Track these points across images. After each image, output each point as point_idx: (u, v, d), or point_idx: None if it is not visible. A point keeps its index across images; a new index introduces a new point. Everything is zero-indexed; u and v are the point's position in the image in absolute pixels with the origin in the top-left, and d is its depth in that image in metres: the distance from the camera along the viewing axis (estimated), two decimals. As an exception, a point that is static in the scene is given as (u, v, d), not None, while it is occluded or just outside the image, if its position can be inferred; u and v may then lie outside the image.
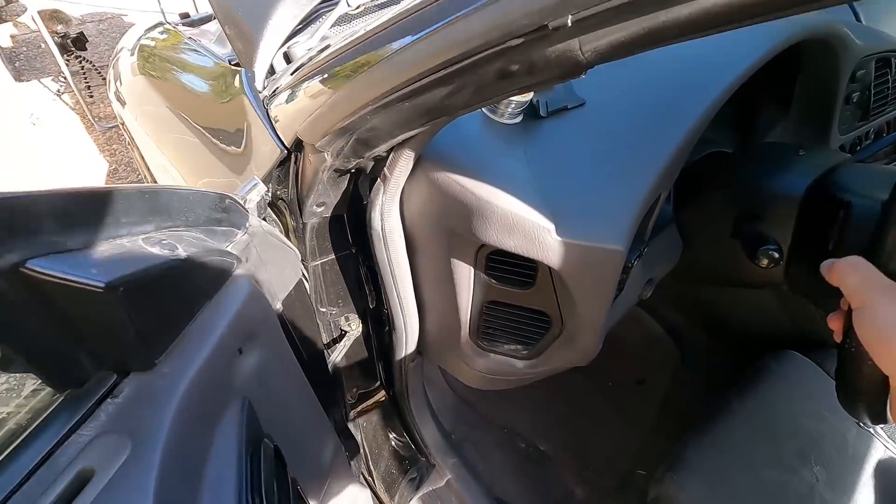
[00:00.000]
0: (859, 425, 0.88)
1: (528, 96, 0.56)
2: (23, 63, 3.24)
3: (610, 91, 0.58)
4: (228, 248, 0.39)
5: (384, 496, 0.97)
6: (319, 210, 0.63)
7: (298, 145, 0.58)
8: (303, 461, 0.49)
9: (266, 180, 0.62)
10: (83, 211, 0.33)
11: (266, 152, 0.62)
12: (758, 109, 0.88)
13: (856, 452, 0.84)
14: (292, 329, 0.57)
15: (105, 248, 0.33)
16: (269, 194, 0.66)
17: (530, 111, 0.58)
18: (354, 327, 0.83)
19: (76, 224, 0.32)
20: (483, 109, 0.57)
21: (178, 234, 0.38)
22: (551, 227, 0.48)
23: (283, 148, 0.60)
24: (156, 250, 0.35)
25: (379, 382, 0.93)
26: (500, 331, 0.66)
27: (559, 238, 0.49)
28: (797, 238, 0.59)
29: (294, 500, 0.41)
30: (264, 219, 0.56)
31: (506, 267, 0.57)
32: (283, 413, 0.46)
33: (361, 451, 0.98)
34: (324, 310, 0.77)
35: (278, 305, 0.50)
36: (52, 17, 2.63)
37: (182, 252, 0.36)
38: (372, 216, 0.58)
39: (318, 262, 0.70)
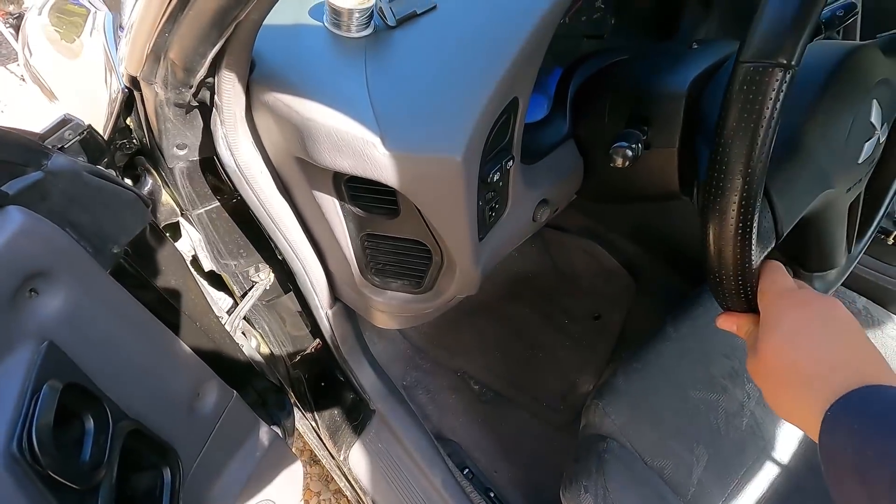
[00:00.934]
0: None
1: (370, 3, 0.51)
2: (8, 49, 3.20)
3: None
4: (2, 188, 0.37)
5: (329, 443, 0.98)
6: (182, 153, 0.60)
7: (136, 82, 0.55)
8: (157, 405, 0.49)
9: (115, 125, 0.59)
10: None
11: (112, 93, 0.58)
12: (681, 11, 0.80)
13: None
14: (154, 277, 0.56)
15: None
16: (130, 141, 0.64)
17: (380, 23, 0.53)
18: (264, 277, 0.81)
19: None
20: (327, 25, 0.52)
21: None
22: (377, 140, 0.45)
23: (123, 86, 0.56)
24: None
25: (309, 331, 0.92)
26: (388, 266, 0.64)
27: (387, 151, 0.45)
28: (684, 139, 0.55)
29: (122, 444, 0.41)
30: (98, 160, 0.54)
31: (367, 195, 0.54)
32: (116, 356, 0.45)
33: (307, 401, 0.99)
34: (226, 262, 0.76)
35: (114, 248, 0.48)
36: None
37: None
38: (219, 152, 0.55)
39: (202, 211, 0.68)
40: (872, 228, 0.63)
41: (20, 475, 0.33)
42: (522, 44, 0.46)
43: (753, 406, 0.77)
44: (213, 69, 0.47)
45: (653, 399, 0.77)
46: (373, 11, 0.52)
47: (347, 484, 0.98)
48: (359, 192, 0.54)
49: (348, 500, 1.12)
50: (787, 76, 0.35)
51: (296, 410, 1.01)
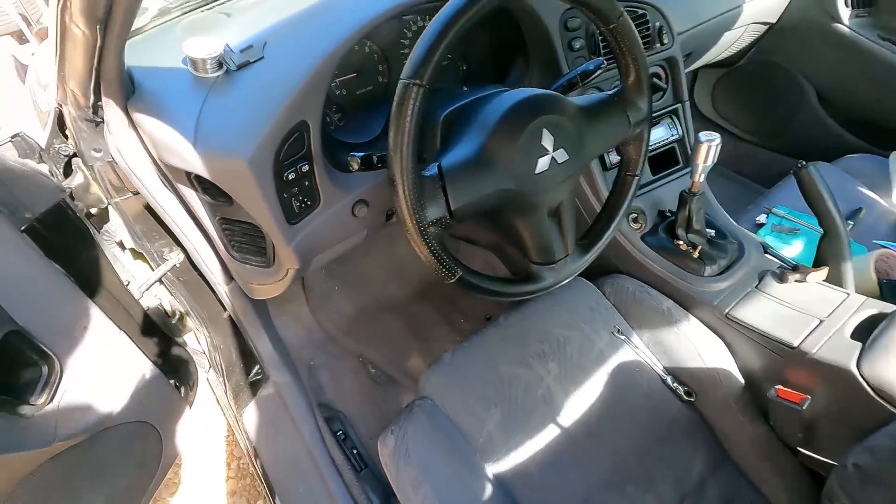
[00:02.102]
0: (613, 334, 1.00)
1: (216, 53, 0.73)
2: None
3: (283, 46, 0.74)
4: None
5: (232, 402, 1.18)
6: (98, 155, 0.84)
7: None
8: (42, 323, 0.70)
9: (51, 133, 0.83)
10: None
11: (48, 111, 0.83)
12: (509, 64, 1.01)
13: (600, 357, 0.97)
14: (65, 243, 0.78)
15: None
16: (63, 143, 0.87)
17: (230, 66, 0.76)
18: (174, 257, 1.03)
19: None
20: (188, 68, 0.75)
21: None
22: (191, 145, 0.66)
23: (54, 106, 0.80)
24: None
25: (219, 305, 1.13)
26: (242, 245, 0.85)
27: (200, 153, 0.66)
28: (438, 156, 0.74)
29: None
30: (30, 157, 0.77)
31: (210, 187, 0.75)
32: (16, 285, 0.67)
33: (218, 365, 1.19)
34: (142, 242, 0.98)
35: (27, 214, 0.71)
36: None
37: None
38: (112, 155, 0.78)
39: (118, 199, 0.91)
40: (604, 239, 0.80)
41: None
42: (302, 85, 0.68)
43: (550, 381, 0.93)
44: (97, 97, 0.71)
45: (468, 370, 0.94)
46: (220, 59, 0.74)
47: (243, 437, 1.17)
48: (204, 185, 0.75)
49: (243, 451, 1.29)
50: (420, 91, 0.55)
51: (214, 375, 1.21)
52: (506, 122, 0.65)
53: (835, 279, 0.97)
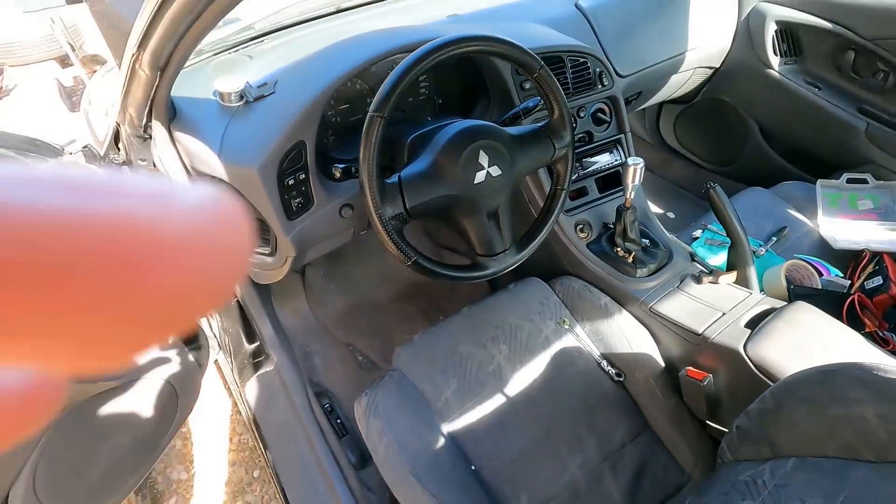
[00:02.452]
0: (558, 324, 1.19)
1: (239, 88, 0.96)
2: (78, 98, 3.99)
3: (289, 83, 0.97)
4: None
5: (237, 377, 1.37)
6: (143, 164, 1.06)
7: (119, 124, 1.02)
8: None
9: (108, 146, 1.06)
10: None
11: (108, 129, 1.06)
12: (475, 100, 1.23)
13: (545, 342, 1.15)
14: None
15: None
16: (116, 153, 1.10)
17: (249, 97, 0.98)
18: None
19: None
20: (217, 99, 0.98)
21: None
22: (216, 156, 0.88)
23: (113, 125, 1.03)
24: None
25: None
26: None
27: (223, 162, 0.88)
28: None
29: None
30: (93, 163, 1.00)
31: (237, 189, 0.97)
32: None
33: (227, 346, 1.39)
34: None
35: None
36: (92, 59, 3.29)
37: None
38: (156, 163, 1.00)
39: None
40: (538, 239, 1.00)
41: None
42: (299, 114, 0.90)
43: (501, 360, 1.12)
44: (149, 119, 0.93)
45: (433, 348, 1.13)
46: (242, 93, 0.97)
47: (245, 407, 1.36)
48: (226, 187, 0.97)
49: (244, 421, 1.48)
50: (381, 121, 0.76)
51: (223, 355, 1.42)
52: (451, 145, 0.86)
53: (743, 282, 1.15)
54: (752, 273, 1.13)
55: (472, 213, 0.90)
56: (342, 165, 0.86)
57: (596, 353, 1.15)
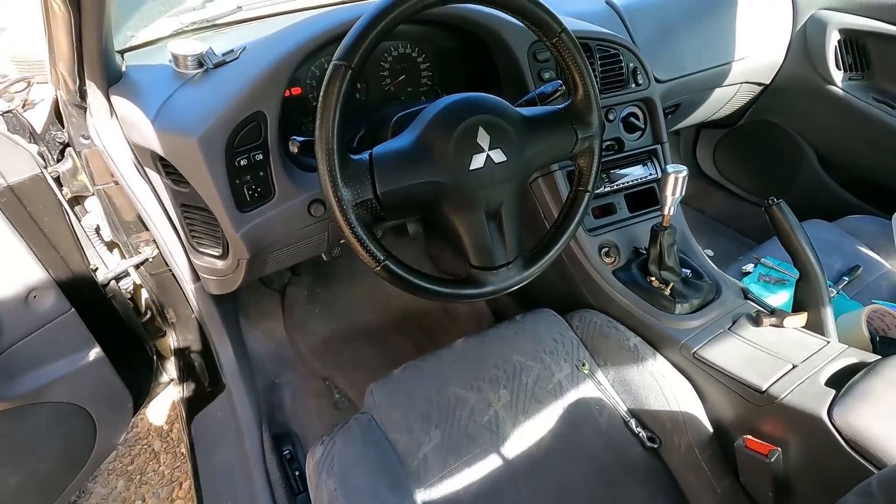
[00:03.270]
0: (575, 367, 0.95)
1: (197, 52, 0.80)
2: None
3: (255, 50, 0.81)
4: None
5: (184, 407, 1.15)
6: (86, 142, 0.90)
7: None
8: None
9: (48, 119, 0.90)
10: None
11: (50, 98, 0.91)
12: (484, 87, 1.05)
13: (557, 389, 0.91)
14: (29, 210, 0.82)
15: None
16: (60, 130, 0.94)
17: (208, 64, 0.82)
18: (149, 251, 1.06)
19: None
20: (172, 65, 0.81)
21: None
22: (149, 122, 0.70)
23: (54, 92, 0.88)
24: None
25: (188, 305, 1.14)
26: (199, 234, 0.87)
27: (156, 129, 0.70)
28: None
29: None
30: (17, 132, 0.84)
31: (171, 170, 0.79)
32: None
33: (181, 369, 1.18)
34: (119, 234, 1.02)
35: (1, 181, 0.75)
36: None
37: None
38: (92, 136, 0.83)
39: (101, 186, 0.96)
40: (552, 252, 0.78)
41: None
42: (259, 78, 0.72)
43: (499, 407, 0.88)
44: (82, 80, 0.77)
45: (414, 387, 0.90)
46: (200, 59, 0.81)
47: (186, 443, 1.13)
48: (167, 168, 0.79)
49: (184, 457, 1.24)
50: (349, 73, 0.57)
51: (177, 378, 1.20)
52: (442, 117, 0.67)
53: (816, 327, 0.90)
54: (829, 315, 0.88)
55: (465, 209, 0.69)
56: (301, 139, 0.68)
57: (623, 408, 0.90)
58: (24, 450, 0.79)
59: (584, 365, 0.95)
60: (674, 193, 0.90)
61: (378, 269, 0.65)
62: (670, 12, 1.26)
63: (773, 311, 0.93)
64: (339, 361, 1.36)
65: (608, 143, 1.08)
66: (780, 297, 1.06)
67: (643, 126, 1.10)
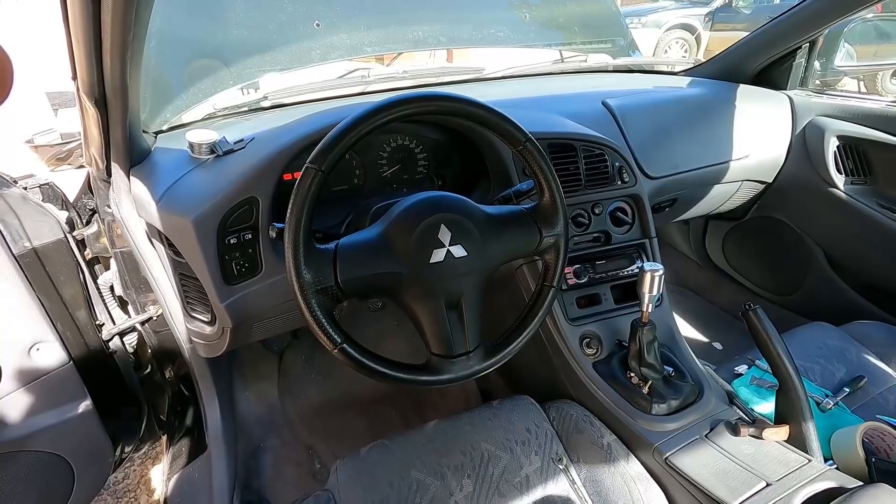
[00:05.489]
0: (547, 462, 0.92)
1: (210, 140, 0.90)
2: None
3: (259, 141, 0.91)
4: None
5: (167, 465, 1.18)
6: (109, 210, 1.01)
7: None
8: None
9: (81, 190, 1.02)
10: None
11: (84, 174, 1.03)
12: (476, 182, 1.12)
13: (524, 484, 0.89)
14: (48, 269, 0.91)
15: None
16: (90, 198, 1.06)
17: (220, 151, 0.92)
18: (154, 311, 1.14)
19: None
20: (187, 150, 0.92)
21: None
22: (154, 203, 0.79)
23: (88, 170, 1.00)
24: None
25: (184, 364, 1.20)
26: (193, 301, 0.94)
27: (159, 210, 0.79)
28: None
29: None
30: (52, 201, 0.95)
31: (171, 244, 0.87)
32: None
33: (171, 426, 1.22)
34: (129, 292, 1.11)
35: (26, 243, 0.85)
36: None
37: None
38: (112, 208, 0.93)
39: (118, 250, 1.06)
40: (512, 346, 0.79)
41: None
42: (253, 169, 0.81)
43: (460, 497, 0.86)
44: (108, 161, 0.88)
45: (378, 469, 0.90)
46: (214, 146, 0.91)
47: (163, 502, 1.14)
48: (168, 242, 0.88)
49: None
50: (318, 175, 0.64)
51: (167, 436, 1.24)
52: (407, 214, 0.72)
53: (799, 442, 0.85)
54: (812, 431, 0.84)
55: (424, 299, 0.73)
56: (280, 225, 0.74)
57: (591, 510, 0.87)
58: (1, 497, 0.83)
59: (556, 460, 0.93)
60: (650, 291, 0.91)
61: (335, 351, 0.68)
62: (664, 114, 1.32)
63: (754, 421, 0.89)
64: (326, 430, 1.37)
65: (595, 235, 1.11)
66: (772, 405, 1.01)
67: (630, 221, 1.13)
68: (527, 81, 1.54)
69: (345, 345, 0.68)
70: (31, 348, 0.85)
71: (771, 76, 1.49)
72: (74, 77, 0.70)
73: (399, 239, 0.71)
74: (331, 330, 0.67)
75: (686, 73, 1.68)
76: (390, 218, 0.73)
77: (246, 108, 1.25)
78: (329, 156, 0.65)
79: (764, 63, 1.47)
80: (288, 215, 0.65)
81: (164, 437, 1.25)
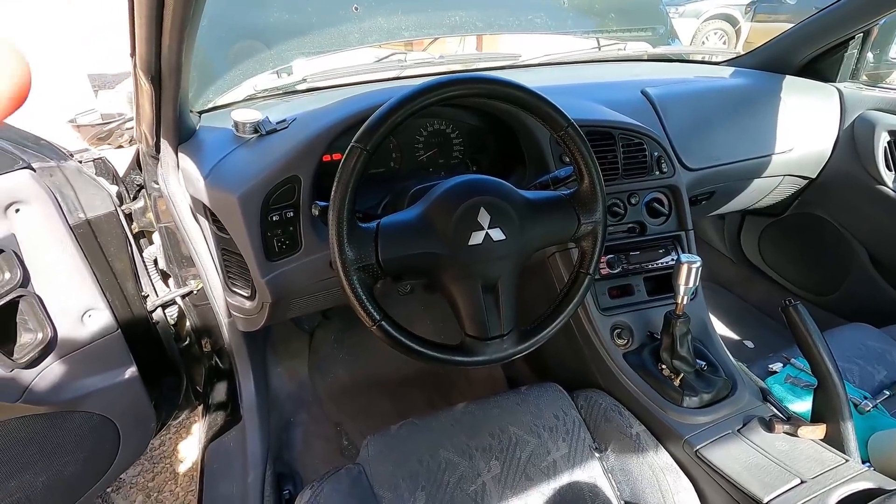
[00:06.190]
0: (573, 448, 0.93)
1: (255, 119, 0.93)
2: None
3: (302, 121, 0.92)
4: (34, 164, 0.80)
5: (204, 433, 1.23)
6: (156, 186, 1.04)
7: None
8: (54, 296, 0.84)
9: (130, 166, 1.06)
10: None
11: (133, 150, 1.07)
12: (512, 169, 1.12)
13: (551, 469, 0.90)
14: (99, 240, 0.95)
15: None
16: (139, 174, 1.10)
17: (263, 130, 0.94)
18: (194, 284, 1.18)
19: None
20: (232, 129, 0.95)
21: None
22: (203, 179, 0.82)
23: (137, 146, 1.04)
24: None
25: (221, 337, 1.24)
26: (234, 276, 0.97)
27: (207, 186, 0.82)
28: None
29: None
30: (103, 176, 0.99)
31: (216, 220, 0.90)
32: (45, 261, 0.83)
33: (208, 396, 1.27)
34: (171, 266, 1.15)
35: (81, 215, 0.89)
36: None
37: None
38: (159, 183, 0.97)
39: (163, 225, 1.10)
40: (547, 331, 0.79)
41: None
42: (296, 149, 0.83)
43: (488, 479, 0.87)
44: (158, 138, 0.92)
45: (407, 445, 0.92)
46: (256, 126, 0.93)
47: (199, 468, 1.19)
48: (213, 217, 0.91)
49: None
50: (363, 154, 0.65)
51: (203, 405, 1.29)
52: (447, 196, 0.73)
53: (835, 442, 0.84)
54: (850, 431, 0.82)
55: (462, 280, 0.74)
56: (323, 203, 0.76)
57: (616, 498, 0.87)
58: (54, 453, 0.88)
59: (583, 447, 0.93)
60: (687, 283, 0.90)
61: (374, 327, 0.70)
62: (705, 104, 1.29)
63: (789, 418, 0.88)
64: (353, 408, 1.40)
65: (630, 225, 1.10)
66: (807, 404, 1.00)
67: (667, 212, 1.11)
68: (564, 69, 1.52)
69: (383, 321, 0.70)
70: (83, 315, 0.90)
71: (819, 68, 1.43)
72: (133, 53, 0.72)
73: (439, 220, 0.72)
74: (370, 307, 0.69)
75: (728, 62, 1.63)
76: (431, 199, 0.74)
77: (283, 91, 1.27)
78: (374, 135, 0.66)
79: (813, 54, 1.42)
80: (332, 193, 0.67)
81: (201, 408, 1.30)
